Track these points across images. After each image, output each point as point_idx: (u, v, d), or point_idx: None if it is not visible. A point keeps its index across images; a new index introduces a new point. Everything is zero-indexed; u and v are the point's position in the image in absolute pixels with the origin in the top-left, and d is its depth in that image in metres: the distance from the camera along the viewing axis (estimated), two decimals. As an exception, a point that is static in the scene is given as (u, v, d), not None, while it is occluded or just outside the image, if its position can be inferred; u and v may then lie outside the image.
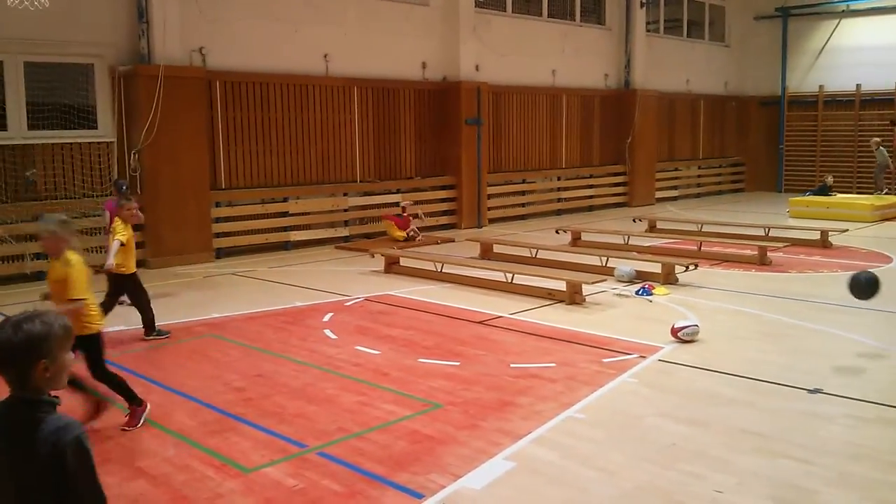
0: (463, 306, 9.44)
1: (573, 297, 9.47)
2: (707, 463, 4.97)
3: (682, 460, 5.02)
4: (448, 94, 16.59)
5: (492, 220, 17.49)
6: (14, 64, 11.31)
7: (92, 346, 5.56)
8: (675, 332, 7.77)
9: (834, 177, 20.72)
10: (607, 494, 4.57)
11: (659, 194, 22.21)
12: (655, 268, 10.81)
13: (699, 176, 24.27)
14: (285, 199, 14.20)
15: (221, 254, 13.22)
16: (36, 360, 2.35)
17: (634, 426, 5.63)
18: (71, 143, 11.82)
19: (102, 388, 5.68)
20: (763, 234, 14.10)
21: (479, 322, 8.72)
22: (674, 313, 8.85)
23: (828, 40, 23.84)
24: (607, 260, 11.36)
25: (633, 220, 16.41)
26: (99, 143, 12.07)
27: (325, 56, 14.67)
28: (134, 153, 12.16)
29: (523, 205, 18.65)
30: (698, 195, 23.93)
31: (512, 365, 7.05)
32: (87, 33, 11.84)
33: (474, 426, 5.61)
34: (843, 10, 23.34)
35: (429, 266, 11.44)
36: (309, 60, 14.48)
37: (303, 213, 14.44)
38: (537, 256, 12.28)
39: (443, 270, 11.21)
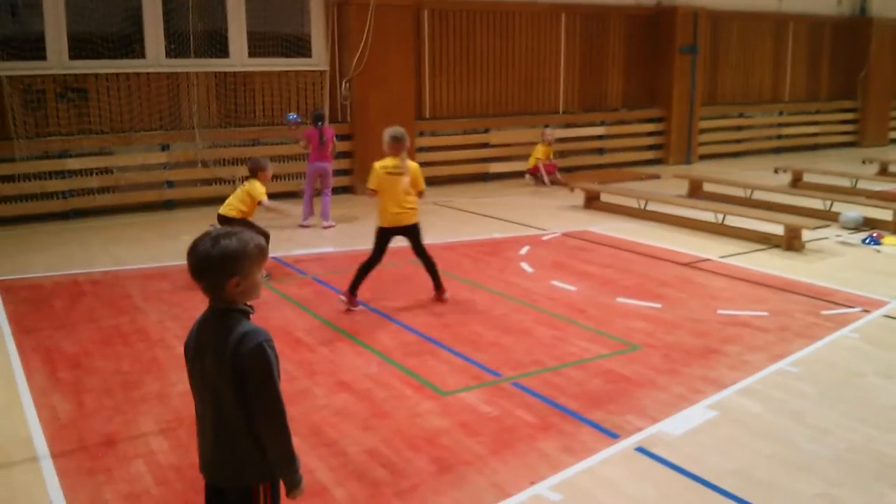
0: (667, 246, 9.04)
1: (791, 242, 8.78)
2: (936, 431, 4.47)
3: (907, 426, 4.54)
4: (662, 21, 15.71)
5: (702, 157, 16.56)
6: (235, -6, 11.95)
7: (413, 232, 6.76)
8: (907, 286, 7.02)
9: None
10: (818, 453, 4.22)
11: (893, 135, 20.05)
12: (886, 215, 9.79)
13: (943, 114, 21.62)
14: (486, 130, 14.18)
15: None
16: (230, 274, 2.45)
17: (853, 384, 5.16)
18: (287, 72, 12.40)
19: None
20: None
21: (685, 264, 8.31)
22: (907, 266, 8.01)
23: None
24: (832, 204, 10.43)
25: (863, 162, 14.95)
26: (313, 71, 12.58)
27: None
28: (345, 82, 12.57)
29: (739, 141, 17.50)
30: (941, 137, 21.38)
31: (719, 311, 6.66)
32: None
33: (675, 371, 5.37)
34: None
35: (631, 203, 11.04)
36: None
37: (503, 145, 14.37)
38: (752, 197, 11.49)
39: (646, 208, 10.78)
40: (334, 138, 10.63)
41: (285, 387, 5.01)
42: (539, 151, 13.73)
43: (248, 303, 2.56)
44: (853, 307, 6.74)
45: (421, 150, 13.45)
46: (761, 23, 17.49)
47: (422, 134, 13.48)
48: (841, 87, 19.15)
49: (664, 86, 15.86)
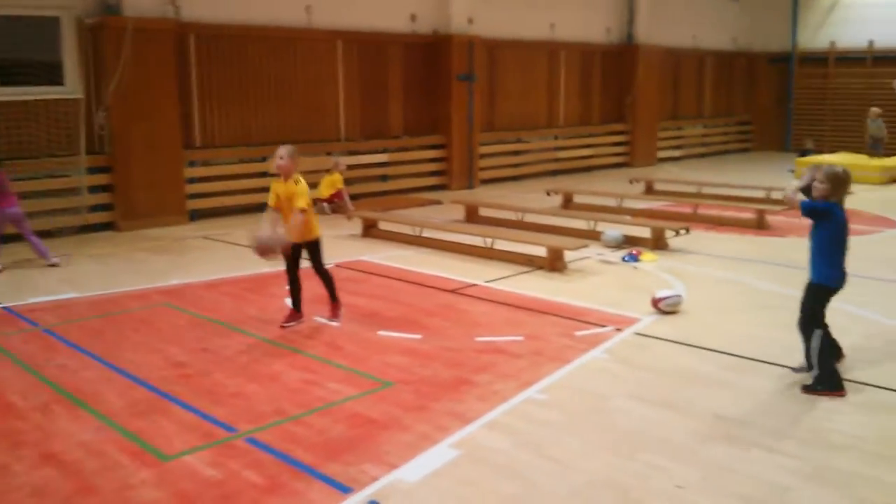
0: (438, 273, 8.94)
1: (554, 263, 8.94)
2: (672, 453, 4.50)
3: (645, 450, 4.55)
4: (439, 49, 15.88)
5: (484, 182, 16.85)
6: (-25, 17, 10.74)
7: (314, 248, 7.07)
8: (655, 302, 7.26)
9: (830, 138, 19.98)
10: (557, 490, 4.10)
11: (661, 154, 21.52)
12: (645, 232, 10.26)
13: (704, 135, 23.51)
14: (264, 159, 13.63)
15: (196, 216, 12.70)
16: None
17: (598, 409, 5.16)
18: (36, 101, 11.27)
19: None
20: (763, 196, 13.51)
21: (451, 291, 8.22)
22: (660, 282, 8.34)
23: (840, -6, 22.95)
24: (595, 224, 10.80)
25: (630, 182, 15.79)
26: (66, 99, 11.51)
27: (307, 7, 13.98)
28: (101, 111, 11.61)
29: (517, 165, 17.99)
30: (703, 155, 23.19)
31: (477, 338, 6.56)
32: (52, -17, 11.23)
33: (423, 408, 5.15)
34: (857, -37, 22.39)
35: (408, 230, 10.92)
36: (290, 12, 13.80)
37: (284, 174, 13.87)
38: (524, 220, 11.73)
39: (422, 235, 10.69)
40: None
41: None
42: (339, 181, 13.37)
43: None
44: (605, 326, 6.87)
45: (192, 180, 12.68)
46: (535, 51, 18.17)
47: (192, 164, 12.71)
48: (612, 110, 20.29)
49: (444, 113, 15.99)
